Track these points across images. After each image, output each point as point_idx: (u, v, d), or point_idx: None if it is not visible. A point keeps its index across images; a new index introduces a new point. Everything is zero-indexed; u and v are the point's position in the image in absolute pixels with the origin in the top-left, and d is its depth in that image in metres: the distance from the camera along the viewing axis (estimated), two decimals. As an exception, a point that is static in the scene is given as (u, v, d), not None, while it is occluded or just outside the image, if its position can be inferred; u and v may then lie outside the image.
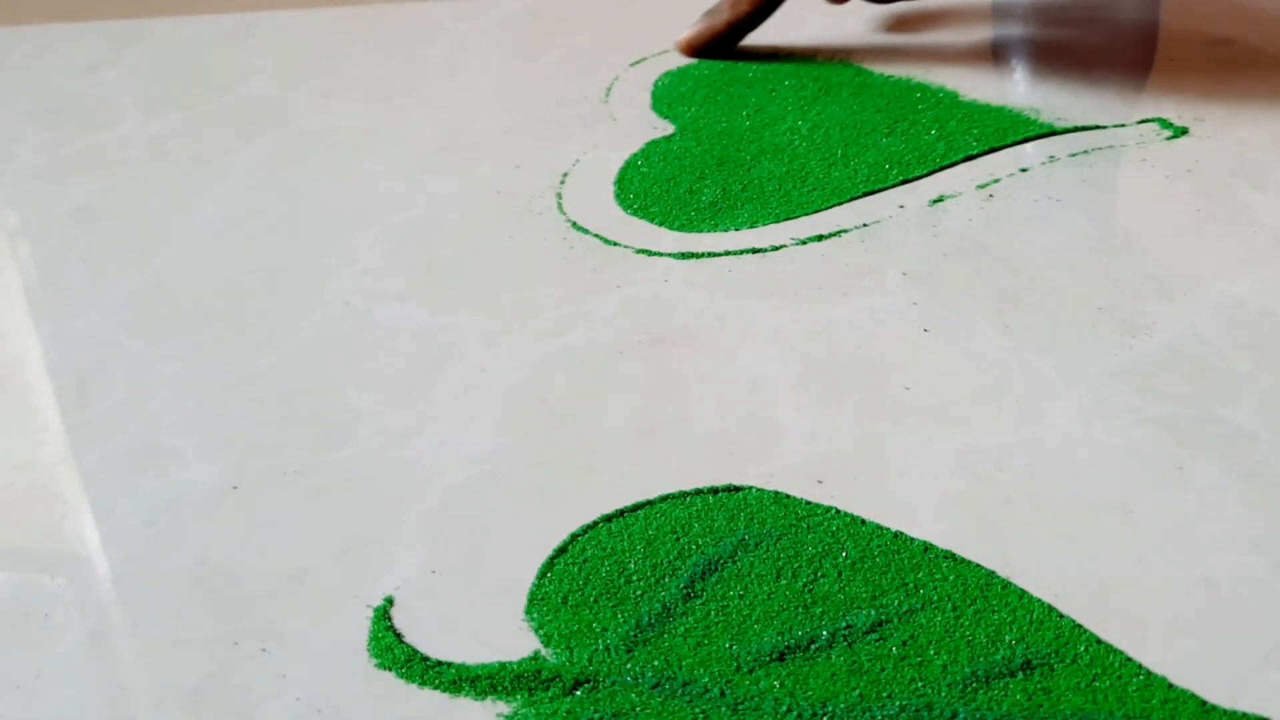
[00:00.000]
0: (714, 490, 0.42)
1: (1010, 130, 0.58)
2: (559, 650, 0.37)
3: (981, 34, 0.67)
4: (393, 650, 0.38)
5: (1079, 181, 0.55)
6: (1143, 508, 0.40)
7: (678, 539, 0.40)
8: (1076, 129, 0.58)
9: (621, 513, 0.41)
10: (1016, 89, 0.62)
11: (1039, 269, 0.50)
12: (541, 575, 0.40)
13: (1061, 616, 0.37)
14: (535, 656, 0.37)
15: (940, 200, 0.54)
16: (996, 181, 0.55)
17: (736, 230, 0.54)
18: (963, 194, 0.55)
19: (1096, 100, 0.60)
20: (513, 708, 0.36)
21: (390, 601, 0.39)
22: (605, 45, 0.70)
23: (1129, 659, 0.35)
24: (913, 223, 0.53)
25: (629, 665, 0.37)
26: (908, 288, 0.50)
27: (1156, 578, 0.37)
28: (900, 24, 0.68)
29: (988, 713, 0.34)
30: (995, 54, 0.66)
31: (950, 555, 0.39)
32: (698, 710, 0.35)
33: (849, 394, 0.45)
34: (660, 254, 0.53)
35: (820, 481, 0.42)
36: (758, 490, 0.42)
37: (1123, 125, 0.58)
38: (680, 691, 0.36)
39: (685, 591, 0.39)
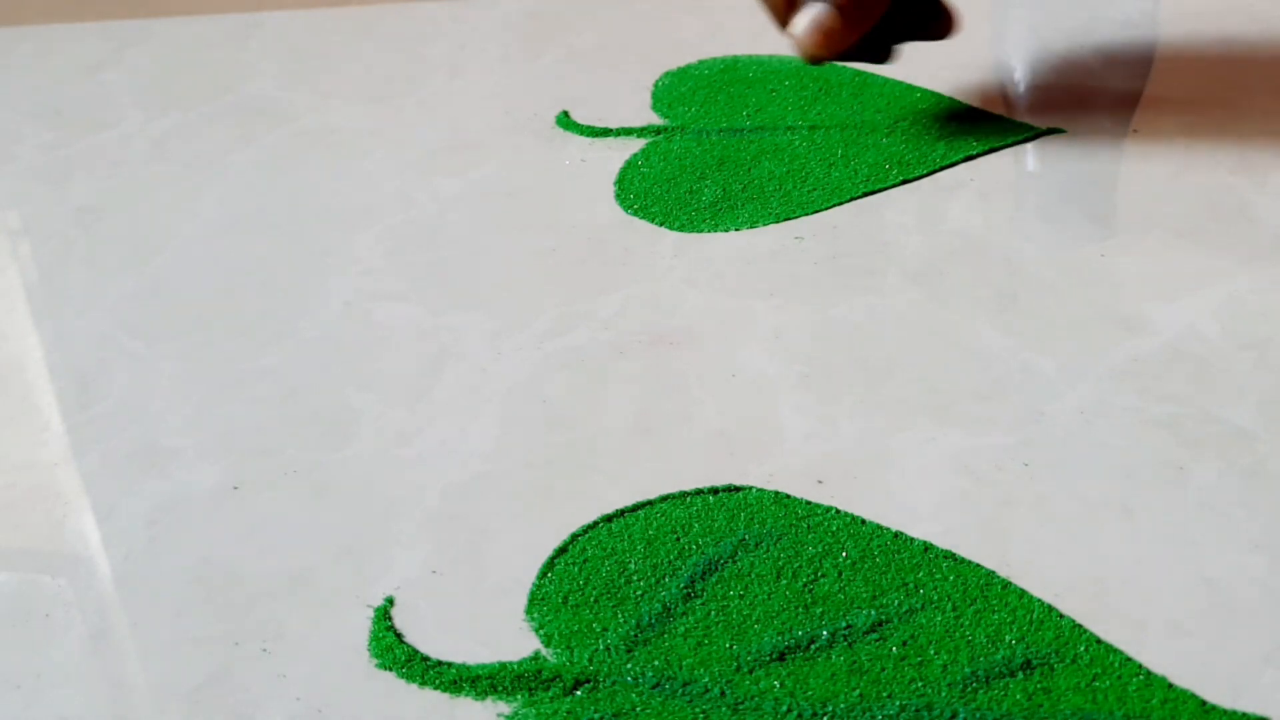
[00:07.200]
0: (714, 490, 0.42)
1: (1010, 130, 0.58)
2: (559, 650, 0.37)
3: (982, 35, 0.67)
4: (393, 650, 0.38)
5: (1079, 181, 0.55)
6: (1143, 508, 0.40)
7: (678, 539, 0.40)
8: (1076, 130, 0.58)
9: (621, 513, 0.41)
10: (1017, 90, 0.62)
11: (1039, 269, 0.50)
12: (542, 575, 0.40)
13: (1061, 616, 0.37)
14: (535, 656, 0.37)
15: (939, 200, 0.54)
16: (996, 182, 0.55)
17: (737, 230, 0.54)
18: (963, 194, 0.55)
19: (1096, 101, 0.60)
20: (513, 708, 0.36)
21: (391, 601, 0.39)
22: (605, 45, 0.69)
23: (1129, 659, 0.35)
24: (913, 223, 0.53)
25: (629, 665, 0.37)
26: (908, 288, 0.50)
27: (1156, 578, 0.37)
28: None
29: (988, 713, 0.34)
30: (995, 55, 0.66)
31: (950, 555, 0.39)
32: (698, 710, 0.35)
33: (849, 394, 0.45)
34: (660, 254, 0.53)
35: (820, 481, 0.42)
36: (758, 490, 0.42)
37: (1122, 126, 0.58)
38: (680, 691, 0.36)
39: (685, 591, 0.39)
